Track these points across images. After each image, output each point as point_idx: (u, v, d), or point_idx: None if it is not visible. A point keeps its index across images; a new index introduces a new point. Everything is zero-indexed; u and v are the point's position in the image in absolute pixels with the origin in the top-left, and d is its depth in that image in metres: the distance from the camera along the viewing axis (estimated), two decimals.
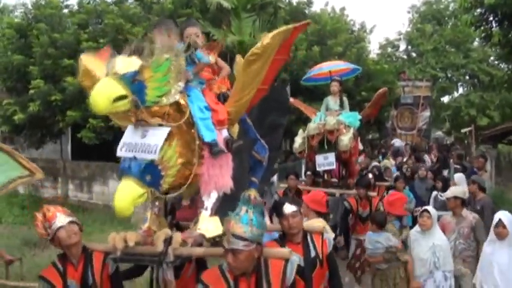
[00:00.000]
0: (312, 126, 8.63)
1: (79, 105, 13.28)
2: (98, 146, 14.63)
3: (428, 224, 5.76)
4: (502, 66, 16.12)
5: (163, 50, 3.26)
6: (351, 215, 7.88)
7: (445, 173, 11.49)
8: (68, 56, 13.44)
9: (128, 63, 3.19)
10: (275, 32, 3.59)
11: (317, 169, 8.93)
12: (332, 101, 8.98)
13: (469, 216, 6.23)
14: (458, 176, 9.26)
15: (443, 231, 6.13)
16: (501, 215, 5.25)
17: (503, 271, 5.09)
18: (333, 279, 4.36)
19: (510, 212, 5.48)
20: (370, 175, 9.46)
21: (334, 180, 9.25)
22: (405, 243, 6.43)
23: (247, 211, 3.19)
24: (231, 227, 3.13)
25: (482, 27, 12.12)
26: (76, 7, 15.84)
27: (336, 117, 8.54)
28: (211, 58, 3.92)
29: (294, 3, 17.87)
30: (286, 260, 3.40)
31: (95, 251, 3.77)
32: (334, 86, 9.03)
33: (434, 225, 5.83)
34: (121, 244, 3.40)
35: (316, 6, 18.42)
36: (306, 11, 18.24)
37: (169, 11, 14.45)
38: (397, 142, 17.04)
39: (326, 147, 8.51)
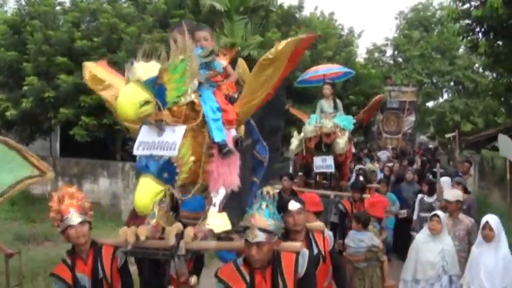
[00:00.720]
0: (309, 129, 8.64)
1: (72, 102, 13.39)
2: (87, 144, 14.64)
3: (438, 229, 5.79)
4: (487, 74, 16.42)
5: (178, 51, 3.35)
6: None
7: (430, 176, 11.78)
8: (62, 54, 13.50)
9: (147, 69, 3.28)
10: (288, 40, 3.68)
11: (315, 171, 8.93)
12: (326, 104, 8.99)
13: (465, 219, 6.38)
14: (445, 180, 9.50)
15: None
16: (488, 218, 5.39)
17: (490, 272, 5.23)
18: (337, 273, 4.58)
19: (494, 214, 5.73)
20: (361, 178, 9.48)
21: (325, 182, 9.24)
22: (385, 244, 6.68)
23: (267, 206, 3.33)
24: (256, 221, 3.25)
25: (469, 38, 12.31)
26: (69, 5, 15.77)
27: (331, 120, 8.61)
28: (223, 62, 4.09)
29: (285, 7, 18.00)
30: (298, 253, 3.51)
31: (104, 245, 3.87)
32: (326, 89, 9.05)
33: (443, 229, 5.86)
34: (132, 238, 3.51)
35: (306, 11, 18.68)
36: (297, 15, 18.42)
37: (162, 11, 14.51)
38: (383, 154, 17.12)
39: (321, 149, 8.53)
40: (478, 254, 5.39)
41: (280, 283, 3.40)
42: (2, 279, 7.73)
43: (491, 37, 11.39)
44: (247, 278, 3.39)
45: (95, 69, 4.10)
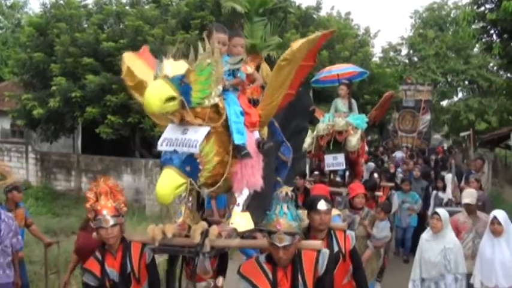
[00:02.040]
0: (322, 127, 8.60)
1: (98, 101, 13.85)
2: (108, 142, 15.13)
3: (438, 227, 5.69)
4: (501, 73, 16.49)
5: (205, 55, 3.41)
6: None
7: (444, 173, 12.06)
8: (88, 55, 13.98)
9: (175, 67, 3.33)
10: (304, 39, 3.77)
11: (326, 169, 8.93)
12: (341, 103, 8.92)
13: (483, 216, 6.26)
14: (448, 177, 9.94)
15: (458, 230, 6.17)
16: (496, 213, 5.50)
17: (504, 265, 5.30)
18: (357, 273, 4.51)
19: (507, 210, 5.96)
20: (376, 175, 9.65)
21: (339, 180, 9.19)
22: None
23: (288, 207, 3.35)
24: (282, 226, 3.29)
25: (483, 40, 12.54)
26: (94, 8, 16.27)
27: (344, 118, 8.57)
28: (250, 69, 4.11)
29: (303, 8, 18.13)
30: (318, 251, 3.54)
31: (133, 242, 3.96)
32: (341, 90, 9.04)
33: (445, 227, 5.72)
34: (159, 236, 3.63)
35: (323, 11, 18.77)
36: (315, 16, 18.54)
37: (184, 13, 14.88)
38: (398, 154, 17.01)
39: (333, 147, 8.47)
40: (490, 250, 5.43)
41: (300, 280, 3.44)
42: (37, 268, 8.21)
43: (505, 39, 11.57)
44: (270, 275, 3.44)
45: (133, 62, 4.16)
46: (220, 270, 4.78)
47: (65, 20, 14.88)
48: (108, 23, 15.38)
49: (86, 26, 15.71)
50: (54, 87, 13.81)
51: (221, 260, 4.73)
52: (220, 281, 4.42)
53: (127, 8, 15.82)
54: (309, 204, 4.34)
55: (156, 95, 3.21)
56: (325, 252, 3.60)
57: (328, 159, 8.61)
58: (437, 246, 5.66)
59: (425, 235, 5.93)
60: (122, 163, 15.81)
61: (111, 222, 3.80)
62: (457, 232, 6.15)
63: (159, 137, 3.60)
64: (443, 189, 9.78)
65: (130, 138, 15.91)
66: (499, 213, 5.47)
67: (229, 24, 15.50)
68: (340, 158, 8.48)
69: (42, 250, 7.51)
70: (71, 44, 14.05)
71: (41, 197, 16.09)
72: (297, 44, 3.71)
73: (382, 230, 6.52)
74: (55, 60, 14.42)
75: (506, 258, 5.29)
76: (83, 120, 14.56)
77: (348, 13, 24.36)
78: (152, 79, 3.56)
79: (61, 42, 14.09)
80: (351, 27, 22.12)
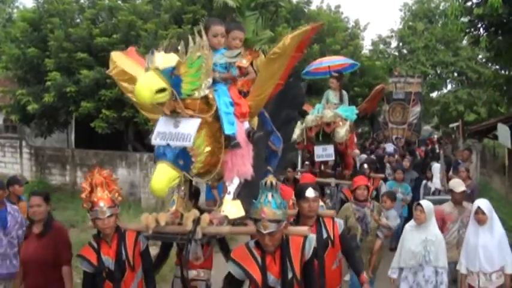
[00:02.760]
0: (310, 118, 8.77)
1: (92, 96, 13.91)
2: (102, 136, 15.16)
3: (421, 218, 5.70)
4: (490, 65, 16.72)
5: (196, 48, 3.51)
6: None
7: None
8: (82, 50, 14.03)
9: (166, 59, 3.43)
10: (295, 33, 3.85)
11: (315, 160, 9.07)
12: (332, 95, 9.16)
13: (468, 206, 6.27)
14: (435, 166, 10.09)
15: (443, 221, 6.30)
16: (479, 202, 5.56)
17: (488, 251, 5.40)
18: (352, 257, 4.74)
19: (495, 198, 6.10)
20: (366, 166, 9.70)
21: (330, 171, 9.44)
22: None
23: (273, 196, 3.50)
24: (266, 214, 3.45)
25: (471, 33, 12.87)
26: (86, 3, 16.30)
27: (333, 110, 8.73)
28: (245, 62, 4.24)
29: (294, 2, 18.23)
30: (305, 237, 3.70)
31: (127, 230, 4.10)
32: (332, 83, 9.26)
33: (428, 219, 5.73)
34: (153, 224, 3.79)
35: (313, 5, 18.80)
36: (305, 10, 18.66)
37: (177, 8, 14.91)
38: (390, 147, 17.15)
39: (322, 138, 8.66)
40: (474, 239, 5.51)
41: (288, 265, 3.60)
42: None
43: (492, 33, 11.87)
44: (259, 259, 3.61)
45: (121, 61, 4.26)
46: (223, 252, 5.00)
47: (59, 15, 14.90)
48: (101, 17, 15.37)
49: (78, 21, 15.76)
50: (49, 82, 13.86)
51: (222, 244, 4.94)
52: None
53: (119, 2, 15.82)
54: (298, 193, 4.49)
55: (147, 86, 3.31)
56: (312, 237, 3.77)
57: (318, 150, 8.82)
58: (419, 237, 5.69)
59: (409, 225, 5.96)
60: (117, 157, 15.85)
61: (108, 213, 3.91)
62: (443, 223, 6.29)
63: (153, 130, 3.69)
64: (432, 179, 10.02)
65: (124, 132, 15.99)
66: (483, 203, 5.55)
67: (221, 19, 15.53)
68: (330, 149, 8.69)
69: None
70: (65, 39, 14.08)
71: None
72: (287, 38, 3.81)
73: (394, 218, 6.64)
74: (49, 55, 14.45)
75: (489, 244, 5.40)
76: (77, 114, 14.61)
77: (338, 6, 24.50)
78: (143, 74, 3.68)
79: (55, 37, 14.11)
80: (341, 20, 22.20)
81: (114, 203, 3.99)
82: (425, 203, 5.84)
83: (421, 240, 5.64)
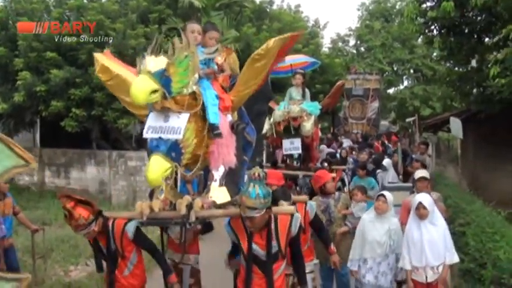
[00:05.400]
0: (278, 113, 9.12)
1: (62, 95, 14.04)
2: (68, 135, 15.31)
3: (383, 208, 5.79)
4: (443, 63, 17.38)
5: (183, 48, 3.79)
6: None
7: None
8: (51, 49, 14.09)
9: (157, 62, 3.70)
10: (276, 38, 4.16)
11: (284, 153, 9.34)
12: (295, 92, 9.43)
13: (432, 195, 6.27)
14: (386, 161, 10.75)
15: (410, 211, 6.08)
16: (420, 198, 5.56)
17: (434, 245, 5.39)
18: (322, 232, 5.30)
19: (449, 185, 6.33)
20: (326, 164, 10.02)
21: (295, 165, 9.61)
22: None
23: (254, 186, 3.85)
24: (244, 201, 3.84)
25: (425, 34, 13.63)
26: (53, 2, 16.29)
27: (299, 105, 9.07)
28: (220, 58, 4.54)
29: (257, 2, 18.64)
30: (292, 216, 4.12)
31: (116, 220, 4.45)
32: (298, 79, 9.53)
33: (389, 209, 5.85)
34: (147, 210, 4.00)
35: (275, 4, 19.19)
36: (268, 10, 19.15)
37: (143, 8, 15.12)
38: (346, 143, 17.24)
39: (289, 132, 8.99)
40: (416, 233, 5.47)
41: (275, 240, 4.03)
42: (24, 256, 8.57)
43: (445, 34, 12.63)
44: (249, 233, 4.07)
45: (104, 60, 4.55)
46: (205, 231, 5.56)
47: (27, 14, 14.89)
48: (67, 16, 15.43)
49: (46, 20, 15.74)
50: (19, 82, 13.91)
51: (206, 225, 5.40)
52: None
53: (85, 1, 15.84)
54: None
55: (141, 89, 3.59)
56: (298, 216, 4.19)
57: (286, 143, 9.16)
58: (382, 227, 5.77)
59: (368, 216, 5.99)
60: (85, 155, 16.02)
61: (86, 232, 4.37)
62: (409, 213, 6.13)
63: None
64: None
65: (90, 130, 16.08)
66: (424, 198, 5.56)
67: (187, 19, 15.77)
68: (297, 142, 9.04)
69: (28, 237, 7.93)
70: (34, 38, 14.12)
71: None
72: (271, 41, 4.13)
73: (361, 209, 6.64)
74: (18, 55, 14.49)
75: (434, 238, 5.40)
76: (47, 114, 14.66)
77: (298, 6, 25.01)
78: (127, 73, 4.14)
79: (24, 36, 14.14)
80: (301, 20, 22.72)
81: (88, 223, 4.31)
82: (387, 194, 5.96)
83: (385, 230, 5.75)
